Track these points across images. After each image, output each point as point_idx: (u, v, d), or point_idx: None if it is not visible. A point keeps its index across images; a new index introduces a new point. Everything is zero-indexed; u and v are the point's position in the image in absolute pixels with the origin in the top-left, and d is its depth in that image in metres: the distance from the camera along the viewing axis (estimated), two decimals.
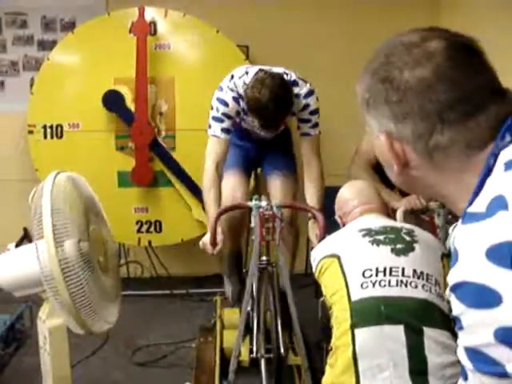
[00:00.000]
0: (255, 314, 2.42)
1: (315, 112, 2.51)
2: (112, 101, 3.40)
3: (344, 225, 2.01)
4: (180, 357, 2.92)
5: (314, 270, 1.86)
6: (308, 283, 2.96)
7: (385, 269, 1.63)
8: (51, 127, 3.46)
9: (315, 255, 1.86)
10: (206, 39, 3.47)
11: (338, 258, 1.72)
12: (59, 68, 3.48)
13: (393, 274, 1.61)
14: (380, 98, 0.83)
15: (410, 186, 0.92)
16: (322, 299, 2.08)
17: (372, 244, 1.71)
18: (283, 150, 2.85)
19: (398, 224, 1.88)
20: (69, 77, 3.48)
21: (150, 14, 3.41)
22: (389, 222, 1.87)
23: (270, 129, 2.39)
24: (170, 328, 3.24)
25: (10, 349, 2.94)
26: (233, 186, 2.70)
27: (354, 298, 1.62)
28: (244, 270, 2.88)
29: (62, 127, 3.46)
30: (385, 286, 1.60)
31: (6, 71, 3.80)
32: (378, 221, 1.86)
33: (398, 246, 1.69)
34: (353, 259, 1.71)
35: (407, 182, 0.89)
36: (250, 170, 2.92)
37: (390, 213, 2.11)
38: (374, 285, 1.61)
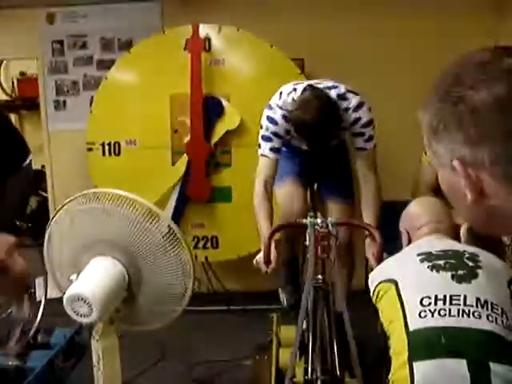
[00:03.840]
0: (310, 334, 2.35)
1: (368, 124, 2.40)
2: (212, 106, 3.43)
3: (410, 240, 1.94)
4: (236, 374, 2.90)
5: (371, 293, 1.78)
6: (367, 300, 2.87)
7: (445, 297, 1.53)
8: (109, 144, 3.54)
9: (373, 278, 1.79)
10: (260, 54, 3.46)
11: (396, 283, 1.64)
12: (117, 86, 3.56)
13: (453, 302, 1.51)
14: (452, 122, 0.76)
15: (486, 220, 0.83)
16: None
17: (431, 270, 1.61)
18: (339, 170, 2.77)
19: (461, 248, 1.76)
20: (126, 95, 3.55)
21: (205, 30, 3.44)
22: (451, 246, 1.76)
23: (318, 149, 2.35)
24: (227, 344, 3.22)
25: (70, 362, 2.99)
26: (290, 196, 2.64)
27: (411, 327, 1.53)
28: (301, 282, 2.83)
29: (119, 144, 3.53)
30: (445, 315, 1.50)
31: (68, 91, 3.92)
32: (441, 243, 1.77)
33: (460, 272, 1.59)
34: (410, 286, 1.63)
35: (482, 214, 0.81)
36: (306, 182, 2.84)
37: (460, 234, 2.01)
38: (432, 314, 1.51)
